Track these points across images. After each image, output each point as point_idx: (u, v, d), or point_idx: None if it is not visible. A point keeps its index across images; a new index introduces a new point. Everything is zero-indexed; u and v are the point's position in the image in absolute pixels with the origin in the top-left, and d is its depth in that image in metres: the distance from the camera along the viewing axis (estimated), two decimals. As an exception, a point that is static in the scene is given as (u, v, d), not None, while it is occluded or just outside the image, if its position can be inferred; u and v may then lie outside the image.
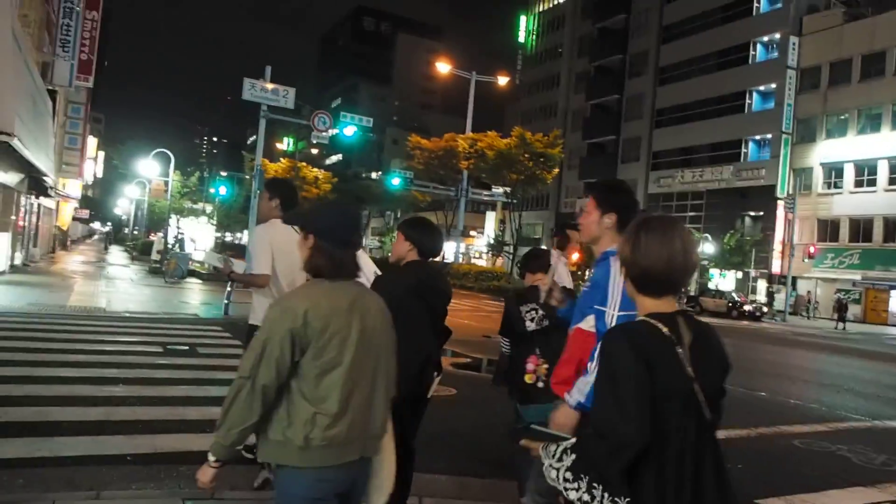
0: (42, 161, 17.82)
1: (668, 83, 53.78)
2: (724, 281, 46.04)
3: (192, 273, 26.88)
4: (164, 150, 33.08)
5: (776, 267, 42.90)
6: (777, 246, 43.00)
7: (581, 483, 1.87)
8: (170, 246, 30.21)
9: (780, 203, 42.90)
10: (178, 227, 33.63)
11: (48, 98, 19.84)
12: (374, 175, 79.98)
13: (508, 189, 42.25)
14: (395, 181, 40.06)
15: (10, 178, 19.01)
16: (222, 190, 29.98)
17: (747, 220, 45.84)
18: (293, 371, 2.32)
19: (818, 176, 43.23)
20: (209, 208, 33.77)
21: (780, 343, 22.48)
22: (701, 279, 45.28)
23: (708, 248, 41.87)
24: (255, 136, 28.33)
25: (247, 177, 41.30)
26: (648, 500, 1.83)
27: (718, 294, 39.67)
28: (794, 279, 40.95)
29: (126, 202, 61.56)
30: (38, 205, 29.17)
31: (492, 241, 56.92)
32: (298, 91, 24.82)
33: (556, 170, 42.39)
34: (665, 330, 1.94)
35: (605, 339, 2.01)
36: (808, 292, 41.91)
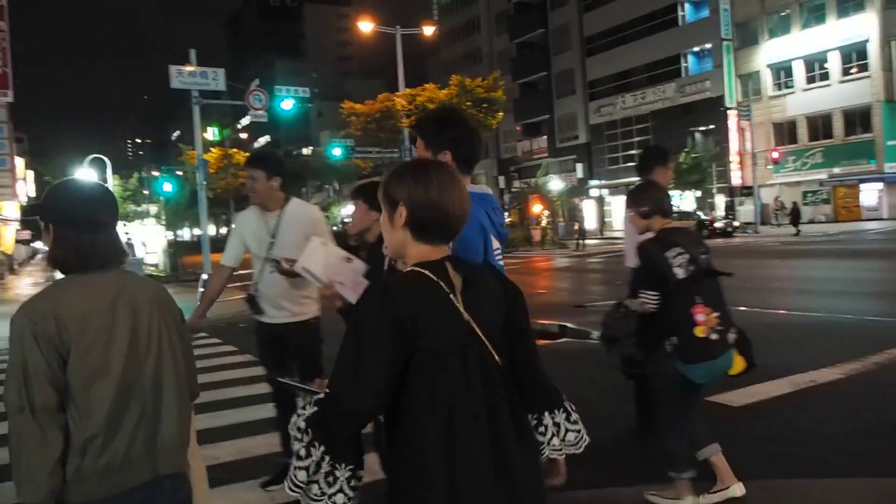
0: None
1: (593, 8, 52.21)
2: (682, 202, 45.31)
3: (150, 277, 24.93)
4: (100, 157, 31.00)
5: (736, 179, 42.29)
6: (734, 157, 42.30)
7: (305, 438, 1.76)
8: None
9: (731, 113, 42.12)
10: (126, 233, 31.47)
11: None
12: (305, 150, 79.40)
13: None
14: (337, 151, 38.26)
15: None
16: (167, 187, 27.85)
17: (697, 136, 44.71)
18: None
19: (767, 78, 42.38)
20: (154, 209, 31.69)
21: (780, 256, 21.58)
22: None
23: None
24: (178, 132, 26.26)
25: (179, 172, 39.06)
26: (436, 466, 1.73)
27: (684, 215, 38.80)
28: (757, 188, 40.31)
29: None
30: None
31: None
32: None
33: (501, 114, 40.85)
34: (435, 278, 1.83)
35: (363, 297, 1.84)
36: (777, 198, 41.11)
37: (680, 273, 3.63)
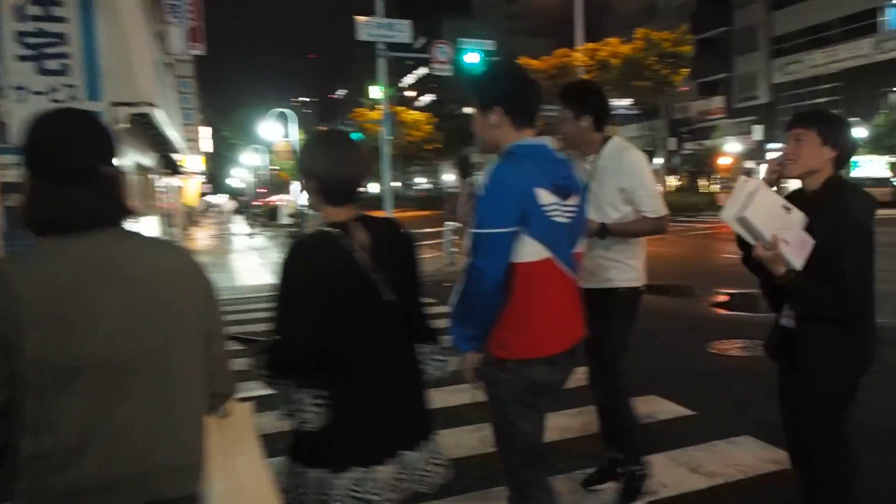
0: (175, 136, 16.73)
1: (783, -42, 48.26)
2: (871, 167, 41.15)
3: None
4: (284, 110, 32.07)
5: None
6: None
7: (270, 377, 2.16)
8: (302, 209, 29.11)
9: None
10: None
11: (167, 70, 18.74)
12: (468, 110, 78.56)
13: (632, 100, 38.89)
14: (474, 57, 36.78)
15: (148, 158, 17.88)
16: (352, 141, 28.33)
17: (893, 97, 40.64)
18: (17, 384, 1.55)
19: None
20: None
21: None
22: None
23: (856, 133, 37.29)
24: (345, 91, 26.68)
25: (352, 127, 39.85)
26: (344, 401, 2.14)
27: (880, 182, 35.26)
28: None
29: (242, 172, 61.87)
30: (170, 184, 28.59)
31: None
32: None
33: (686, 70, 38.66)
34: (343, 236, 2.20)
35: (284, 252, 2.16)
36: None
37: None
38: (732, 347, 7.29)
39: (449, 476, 2.44)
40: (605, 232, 3.70)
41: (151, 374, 1.67)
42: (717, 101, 55.24)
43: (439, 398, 3.06)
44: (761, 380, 5.99)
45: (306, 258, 2.15)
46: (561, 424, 5.03)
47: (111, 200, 1.70)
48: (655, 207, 3.73)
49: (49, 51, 7.89)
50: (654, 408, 5.39)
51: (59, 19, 7.96)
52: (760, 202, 2.61)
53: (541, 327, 2.60)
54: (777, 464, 3.94)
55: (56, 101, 7.85)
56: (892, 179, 35.18)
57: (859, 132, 36.99)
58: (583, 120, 3.77)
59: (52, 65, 7.91)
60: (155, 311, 1.68)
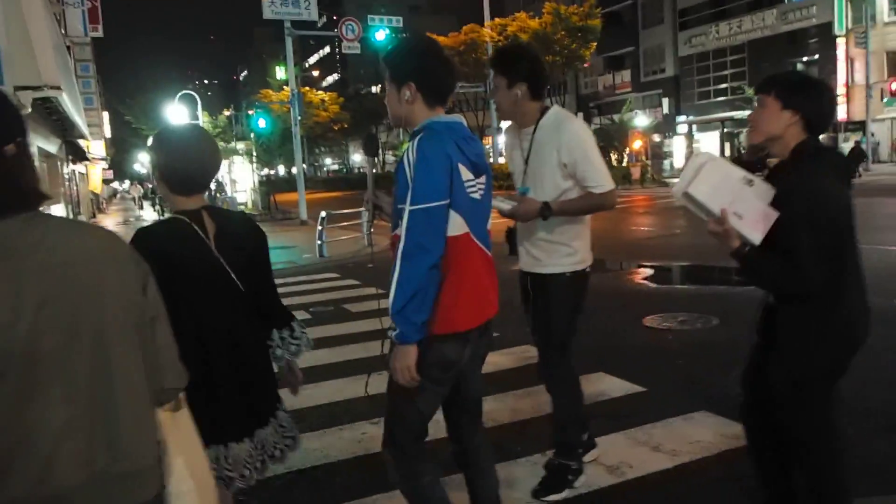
0: (78, 121, 15.96)
1: (685, -71, 49.33)
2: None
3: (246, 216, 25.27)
4: (190, 93, 30.95)
5: (841, 113, 39.96)
6: (841, 89, 39.93)
7: None
8: (212, 192, 28.40)
9: (840, 41, 39.44)
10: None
11: (67, 53, 17.90)
12: (374, 89, 78.10)
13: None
14: (381, 34, 36.71)
15: (51, 144, 16.90)
16: (261, 123, 27.61)
17: (799, 67, 42.42)
18: None
19: (884, 2, 39.15)
20: (242, 146, 31.59)
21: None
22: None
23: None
24: (245, 72, 26.43)
25: (261, 106, 38.88)
26: (199, 382, 1.99)
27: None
28: (869, 123, 37.80)
29: (146, 157, 59.72)
30: (74, 171, 27.25)
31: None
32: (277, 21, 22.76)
33: (595, 44, 39.27)
34: (189, 224, 2.31)
35: (131, 239, 2.12)
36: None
37: None
38: (669, 321, 7.31)
39: (298, 446, 2.60)
40: (547, 211, 3.38)
41: (84, 371, 1.47)
42: (625, 76, 56.27)
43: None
44: (705, 353, 6.05)
45: (150, 244, 2.15)
46: (512, 406, 4.98)
47: (16, 183, 1.48)
48: (601, 182, 3.41)
49: (-54, 33, 7.35)
50: (604, 385, 5.34)
51: (-44, -1, 7.44)
52: (707, 176, 2.55)
53: (457, 303, 2.53)
54: (738, 439, 3.93)
55: (-45, 85, 7.39)
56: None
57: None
58: (517, 87, 3.43)
59: (-50, 48, 7.38)
60: (81, 299, 1.48)
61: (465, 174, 2.51)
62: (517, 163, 3.65)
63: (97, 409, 1.48)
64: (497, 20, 36.80)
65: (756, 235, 2.52)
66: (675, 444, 4.22)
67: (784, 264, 2.51)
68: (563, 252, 3.52)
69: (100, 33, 24.08)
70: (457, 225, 2.49)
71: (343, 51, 27.63)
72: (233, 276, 2.36)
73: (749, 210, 2.52)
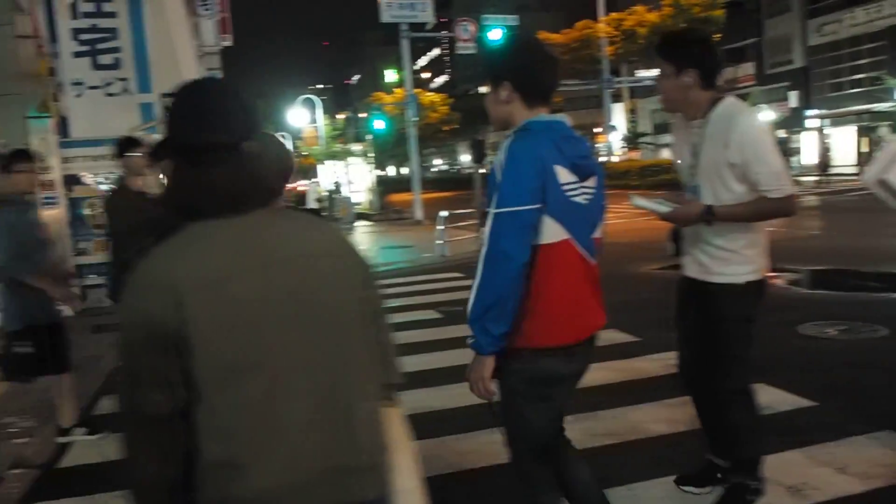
0: None
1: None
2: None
3: (360, 216, 26.46)
4: (311, 97, 32.03)
5: None
6: None
7: None
8: (329, 193, 29.33)
9: None
10: (335, 172, 32.64)
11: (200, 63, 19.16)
12: (483, 89, 77.95)
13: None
14: (496, 34, 36.22)
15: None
16: (379, 124, 28.26)
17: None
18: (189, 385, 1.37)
19: None
20: (358, 148, 32.53)
21: None
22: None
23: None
24: (359, 76, 27.16)
25: (377, 108, 39.68)
26: None
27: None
28: None
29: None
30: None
31: (627, 134, 51.25)
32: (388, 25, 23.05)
33: (719, 35, 37.73)
34: None
35: None
36: None
37: None
38: (828, 329, 6.88)
39: None
40: (709, 216, 3.11)
41: (325, 363, 1.48)
42: (747, 68, 54.05)
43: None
44: (876, 366, 5.64)
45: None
46: (665, 416, 4.78)
47: (261, 180, 1.52)
48: (777, 185, 3.03)
49: (102, 46, 8.13)
50: (768, 398, 5.04)
51: (110, 14, 8.31)
52: None
53: (559, 314, 2.45)
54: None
55: (110, 94, 8.19)
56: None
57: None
58: (686, 75, 3.11)
59: (105, 59, 8.17)
60: (323, 291, 1.50)
61: (565, 176, 2.39)
62: (685, 159, 3.42)
63: (338, 402, 1.50)
64: (613, 15, 35.96)
65: None
66: (864, 465, 3.91)
67: None
68: (734, 260, 3.22)
69: (230, 42, 25.20)
70: (553, 231, 2.39)
71: (457, 51, 27.88)
72: None
73: None
